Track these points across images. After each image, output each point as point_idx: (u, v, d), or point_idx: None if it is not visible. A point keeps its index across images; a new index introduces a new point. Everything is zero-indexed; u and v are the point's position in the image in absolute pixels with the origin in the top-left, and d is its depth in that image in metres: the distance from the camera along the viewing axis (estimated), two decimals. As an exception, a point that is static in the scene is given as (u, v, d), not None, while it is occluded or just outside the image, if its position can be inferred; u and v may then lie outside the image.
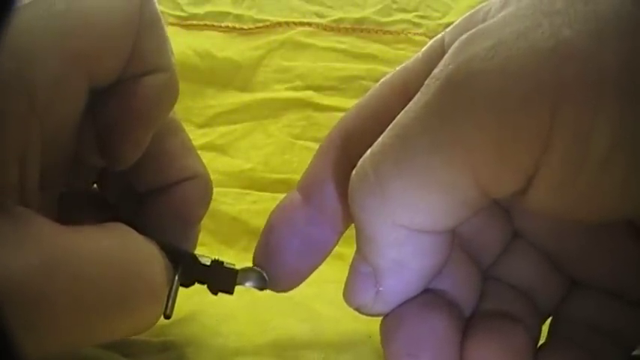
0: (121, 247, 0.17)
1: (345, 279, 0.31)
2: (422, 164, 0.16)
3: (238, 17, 0.50)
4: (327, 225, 0.21)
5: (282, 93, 0.45)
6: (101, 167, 0.23)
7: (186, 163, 0.22)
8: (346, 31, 0.49)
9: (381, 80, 0.22)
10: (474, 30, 0.16)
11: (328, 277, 0.32)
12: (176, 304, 0.26)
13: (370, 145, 0.18)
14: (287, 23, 0.49)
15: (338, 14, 0.50)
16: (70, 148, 0.20)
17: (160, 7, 0.58)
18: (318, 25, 0.49)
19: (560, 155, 0.15)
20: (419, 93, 0.17)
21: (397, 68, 0.21)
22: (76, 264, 0.16)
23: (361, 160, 0.18)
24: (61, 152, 0.19)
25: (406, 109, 0.17)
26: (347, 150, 0.21)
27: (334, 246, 0.22)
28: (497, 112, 0.15)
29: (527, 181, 0.16)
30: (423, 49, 0.20)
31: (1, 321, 0.13)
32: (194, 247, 0.24)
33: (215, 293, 0.21)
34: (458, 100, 0.16)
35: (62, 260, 0.15)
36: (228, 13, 0.50)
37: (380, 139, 0.18)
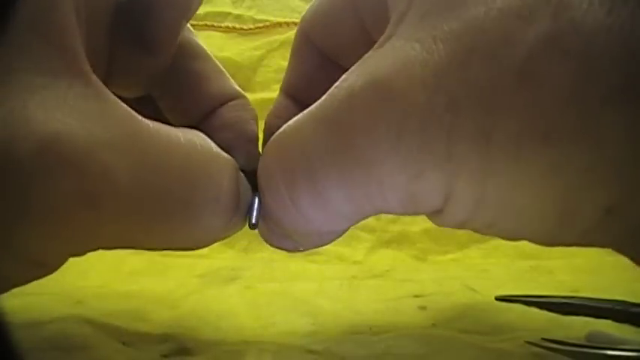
0: (193, 147, 0.17)
1: (345, 277, 0.32)
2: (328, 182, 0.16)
3: (238, 17, 0.50)
4: None
5: (282, 93, 0.45)
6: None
7: (225, 84, 0.22)
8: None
9: None
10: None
11: (329, 275, 0.33)
12: (176, 300, 0.27)
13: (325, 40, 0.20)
14: (287, 23, 0.49)
15: (338, 14, 0.50)
16: (105, 36, 0.19)
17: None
18: (317, 25, 0.49)
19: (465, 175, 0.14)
20: (323, 98, 0.17)
21: None
22: (144, 149, 0.15)
23: (268, 171, 0.18)
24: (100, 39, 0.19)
25: (309, 114, 0.17)
26: (316, 43, 0.22)
27: None
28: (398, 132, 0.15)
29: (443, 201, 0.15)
30: None
31: (1, 321, 0.13)
32: None
33: None
34: (359, 117, 0.15)
35: (132, 141, 0.15)
36: (228, 14, 0.50)
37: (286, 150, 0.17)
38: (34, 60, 0.15)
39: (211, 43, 0.47)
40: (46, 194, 0.14)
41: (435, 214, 0.16)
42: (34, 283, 0.17)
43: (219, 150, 0.18)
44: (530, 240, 0.16)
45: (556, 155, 0.13)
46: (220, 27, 0.49)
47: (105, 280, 0.29)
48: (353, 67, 0.16)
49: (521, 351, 0.22)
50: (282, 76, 0.46)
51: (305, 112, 0.17)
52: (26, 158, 0.14)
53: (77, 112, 0.15)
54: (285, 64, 0.46)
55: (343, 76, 0.16)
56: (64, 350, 0.19)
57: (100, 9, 0.18)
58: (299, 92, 0.23)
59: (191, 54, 0.22)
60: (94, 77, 0.16)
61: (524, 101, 0.13)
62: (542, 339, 0.22)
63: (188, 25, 0.22)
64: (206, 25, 0.49)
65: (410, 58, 0.15)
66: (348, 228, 0.19)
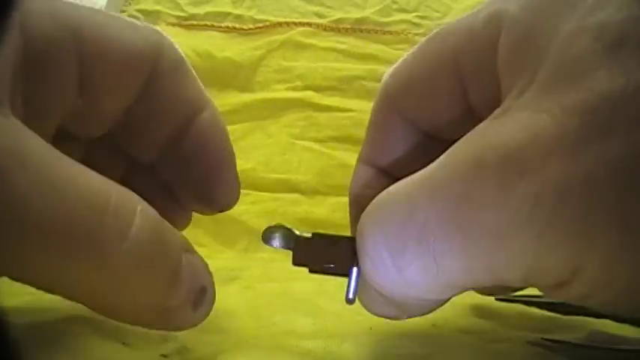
0: (105, 182, 0.16)
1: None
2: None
3: (238, 17, 0.50)
4: None
5: (282, 93, 0.45)
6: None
7: (193, 96, 0.21)
8: (346, 31, 0.49)
9: (426, 45, 0.20)
10: None
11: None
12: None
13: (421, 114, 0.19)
14: (287, 23, 0.49)
15: (338, 14, 0.50)
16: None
17: (159, 7, 0.59)
18: (318, 25, 0.49)
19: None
20: (434, 167, 0.16)
21: (439, 32, 0.20)
22: (49, 170, 0.15)
23: (373, 237, 0.17)
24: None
25: (421, 180, 0.16)
26: (402, 115, 0.21)
27: None
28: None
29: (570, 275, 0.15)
30: (481, 16, 0.18)
31: (1, 321, 0.13)
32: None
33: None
34: (490, 189, 0.15)
35: (35, 158, 0.15)
36: (228, 14, 0.50)
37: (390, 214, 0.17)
38: None
39: (211, 43, 0.47)
40: None
41: (556, 288, 0.16)
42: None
43: (142, 202, 0.17)
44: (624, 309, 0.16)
45: None
46: (220, 27, 0.49)
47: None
48: (468, 137, 0.16)
49: (521, 351, 0.22)
50: (282, 75, 0.46)
51: (409, 180, 0.17)
52: None
53: None
54: (285, 63, 0.47)
55: (457, 145, 0.16)
56: (63, 350, 0.19)
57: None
58: (385, 163, 0.22)
59: (154, 73, 0.20)
60: (14, 118, 0.15)
61: None
62: (542, 339, 0.22)
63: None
64: (206, 25, 0.50)
65: (540, 130, 0.14)
66: (454, 296, 0.18)
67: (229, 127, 0.44)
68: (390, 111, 0.21)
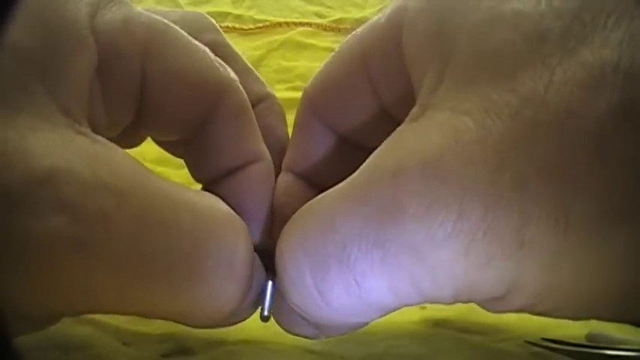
0: (206, 206, 0.16)
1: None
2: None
3: (238, 17, 0.50)
4: None
5: (282, 93, 0.45)
6: None
7: (249, 147, 0.20)
8: (346, 31, 0.49)
9: (340, 47, 0.20)
10: None
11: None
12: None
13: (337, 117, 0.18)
14: (287, 23, 0.49)
15: (338, 14, 0.50)
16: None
17: (159, 8, 0.59)
18: (318, 25, 0.49)
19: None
20: (354, 177, 0.15)
21: (355, 32, 0.19)
22: (151, 201, 0.14)
23: (292, 254, 0.16)
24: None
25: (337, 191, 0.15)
26: (320, 119, 0.20)
27: None
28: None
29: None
30: (386, 12, 0.18)
31: (1, 320, 0.13)
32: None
33: None
34: (409, 201, 0.14)
35: (138, 192, 0.14)
36: (228, 13, 0.50)
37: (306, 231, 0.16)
38: (38, 108, 0.14)
39: (211, 43, 0.47)
40: (34, 232, 0.13)
41: (492, 302, 0.15)
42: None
43: (234, 215, 0.17)
44: (588, 319, 0.15)
45: (636, 233, 0.12)
46: (220, 27, 0.49)
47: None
48: (387, 144, 0.15)
49: (521, 351, 0.22)
50: (282, 75, 0.46)
51: (332, 191, 0.16)
52: (16, 190, 0.12)
53: (83, 152, 0.14)
54: (285, 63, 0.47)
55: (376, 153, 0.15)
56: (64, 350, 0.19)
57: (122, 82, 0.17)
58: (308, 170, 0.21)
59: (224, 109, 0.19)
60: (100, 137, 0.15)
61: (600, 178, 0.12)
62: (542, 339, 0.22)
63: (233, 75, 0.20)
64: (206, 25, 0.49)
65: (462, 135, 0.13)
66: (379, 318, 0.17)
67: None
68: (308, 115, 0.20)
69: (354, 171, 0.16)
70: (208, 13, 0.51)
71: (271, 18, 0.49)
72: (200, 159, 0.20)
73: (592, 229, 0.12)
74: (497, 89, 0.13)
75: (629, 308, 0.14)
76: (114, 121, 0.18)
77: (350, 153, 0.19)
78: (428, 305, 0.25)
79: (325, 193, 0.16)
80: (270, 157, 0.20)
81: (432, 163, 0.13)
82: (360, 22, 0.50)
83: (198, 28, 0.19)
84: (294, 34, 0.48)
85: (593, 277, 0.13)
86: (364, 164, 0.15)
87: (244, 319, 0.18)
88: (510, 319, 0.25)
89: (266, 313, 0.17)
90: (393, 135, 0.15)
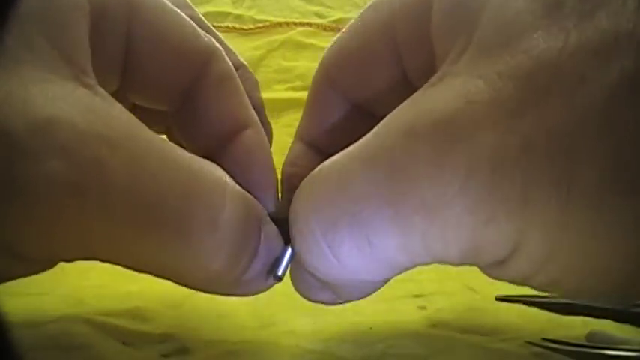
0: (198, 166, 0.16)
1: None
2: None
3: (238, 17, 0.50)
4: None
5: (282, 93, 0.45)
6: None
7: (238, 113, 0.20)
8: (346, 32, 0.49)
9: (363, 15, 0.19)
10: None
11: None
12: (176, 299, 0.27)
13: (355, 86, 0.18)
14: (287, 23, 0.49)
15: (338, 14, 0.50)
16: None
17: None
18: (318, 25, 0.49)
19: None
20: (367, 138, 0.15)
21: (375, 1, 0.19)
22: (144, 152, 0.15)
23: (305, 212, 0.16)
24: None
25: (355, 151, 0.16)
26: (337, 88, 0.20)
27: None
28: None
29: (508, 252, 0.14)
30: None
31: (1, 321, 0.13)
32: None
33: None
34: (421, 159, 0.14)
35: (133, 142, 0.15)
36: (228, 13, 0.50)
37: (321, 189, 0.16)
38: (42, 60, 0.15)
39: (211, 43, 0.47)
40: (33, 176, 0.13)
41: (495, 266, 0.15)
42: (35, 282, 0.17)
43: (226, 180, 0.17)
44: (589, 296, 0.15)
45: None
46: (220, 27, 0.49)
47: (105, 280, 0.29)
48: (402, 106, 0.15)
49: (521, 351, 0.22)
50: (282, 75, 0.46)
51: (343, 153, 0.16)
52: (17, 136, 0.13)
53: (82, 105, 0.14)
54: (285, 63, 0.47)
55: (391, 115, 0.15)
56: (64, 350, 0.19)
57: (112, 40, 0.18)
58: (320, 140, 0.21)
59: (207, 81, 0.20)
60: (101, 89, 0.15)
61: (607, 147, 0.12)
62: (542, 339, 0.22)
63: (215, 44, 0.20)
64: (206, 25, 0.49)
65: (474, 96, 0.13)
66: (392, 277, 0.17)
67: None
68: (325, 84, 0.20)
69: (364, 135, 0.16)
70: (208, 13, 0.51)
71: (271, 18, 0.50)
72: (190, 129, 0.20)
73: (595, 199, 0.12)
74: (510, 52, 0.13)
75: (631, 289, 0.14)
76: (101, 84, 0.18)
77: (364, 121, 0.19)
78: (428, 305, 0.25)
79: (336, 155, 0.16)
80: (259, 122, 0.20)
81: (443, 123, 0.14)
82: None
83: (174, 2, 0.19)
84: (294, 34, 0.48)
85: (595, 250, 0.13)
86: (379, 125, 0.16)
87: (259, 290, 0.18)
88: (510, 319, 0.25)
89: (279, 273, 0.17)
90: (410, 98, 0.15)
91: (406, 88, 0.18)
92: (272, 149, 0.42)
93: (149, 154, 0.15)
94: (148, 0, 0.18)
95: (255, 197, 0.18)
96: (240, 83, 0.20)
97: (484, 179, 0.13)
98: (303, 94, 0.44)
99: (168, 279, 0.17)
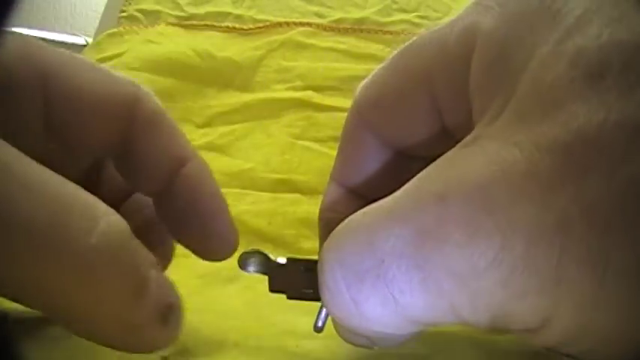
0: (70, 189, 0.15)
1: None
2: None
3: (238, 17, 0.50)
4: None
5: (282, 93, 0.45)
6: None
7: (174, 150, 0.20)
8: (346, 32, 0.49)
9: (396, 59, 0.19)
10: None
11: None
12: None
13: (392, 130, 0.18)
14: (287, 23, 0.49)
15: (338, 14, 0.50)
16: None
17: (159, 7, 0.59)
18: (318, 25, 0.49)
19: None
20: (398, 196, 0.15)
21: (412, 44, 0.18)
22: (27, 188, 0.14)
23: (330, 263, 0.16)
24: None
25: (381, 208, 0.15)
26: (373, 130, 0.20)
27: None
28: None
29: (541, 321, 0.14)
30: (456, 29, 0.17)
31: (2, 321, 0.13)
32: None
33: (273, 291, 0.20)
34: (453, 228, 0.14)
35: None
36: (228, 14, 0.50)
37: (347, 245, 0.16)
38: None
39: (211, 43, 0.47)
40: None
41: (526, 333, 0.15)
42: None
43: (95, 203, 0.16)
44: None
45: None
46: (220, 27, 0.49)
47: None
48: (434, 167, 0.15)
49: (521, 351, 0.22)
50: (282, 75, 0.46)
51: (373, 207, 0.16)
52: None
53: None
54: (285, 63, 0.47)
55: (422, 174, 0.15)
56: (64, 351, 0.19)
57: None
58: (356, 182, 0.20)
59: (142, 127, 0.20)
60: None
61: None
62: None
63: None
64: (206, 25, 0.50)
65: (510, 167, 0.13)
66: (418, 331, 0.17)
67: (229, 127, 0.45)
68: (361, 127, 0.20)
69: (404, 183, 0.16)
70: (208, 13, 0.51)
71: (271, 18, 0.50)
72: (134, 174, 0.21)
73: (630, 281, 0.12)
74: (548, 122, 0.13)
75: None
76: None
77: (404, 165, 0.19)
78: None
79: (367, 208, 0.16)
80: (197, 154, 0.21)
81: (478, 192, 0.13)
82: (360, 22, 0.50)
83: None
84: (294, 34, 0.48)
85: (630, 328, 0.13)
86: (408, 184, 0.15)
87: (156, 343, 0.17)
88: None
89: (320, 324, 0.18)
90: (442, 158, 0.15)
91: (447, 135, 0.18)
92: (272, 149, 0.42)
93: (30, 177, 0.14)
94: (62, 57, 0.19)
95: (209, 227, 0.19)
96: (171, 120, 0.20)
97: (518, 252, 0.13)
98: (303, 94, 0.44)
99: (64, 324, 0.17)
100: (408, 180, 0.16)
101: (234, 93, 0.45)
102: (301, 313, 0.25)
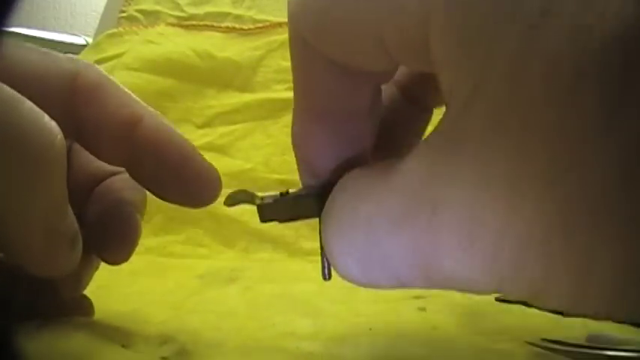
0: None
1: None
2: None
3: (238, 17, 0.50)
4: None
5: (282, 93, 0.45)
6: None
7: (119, 108, 0.21)
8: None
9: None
10: None
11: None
12: (176, 301, 0.27)
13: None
14: (287, 23, 0.49)
15: (338, 14, 0.50)
16: None
17: (159, 8, 0.59)
18: (317, 25, 0.49)
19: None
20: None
21: None
22: None
23: None
24: None
25: None
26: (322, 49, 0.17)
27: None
28: None
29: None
30: None
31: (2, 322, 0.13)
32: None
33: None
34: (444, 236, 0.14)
35: None
36: (228, 14, 0.50)
37: None
38: None
39: (211, 43, 0.47)
40: None
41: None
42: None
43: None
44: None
45: None
46: (220, 27, 0.49)
47: (104, 280, 0.29)
48: (419, 158, 0.15)
49: (521, 351, 0.22)
50: (282, 75, 0.46)
51: (368, 196, 0.16)
52: None
53: None
54: (285, 63, 0.47)
55: (409, 171, 0.15)
56: (63, 352, 0.19)
57: None
58: (320, 107, 0.19)
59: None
60: None
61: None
62: (542, 339, 0.22)
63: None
64: (206, 25, 0.50)
65: (493, 179, 0.13)
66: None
67: (229, 128, 0.45)
68: (310, 55, 0.17)
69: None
70: (208, 14, 0.51)
71: (271, 18, 0.50)
72: (94, 147, 0.21)
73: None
74: (527, 147, 0.12)
75: None
76: None
77: (361, 81, 0.18)
78: (427, 306, 0.25)
79: (362, 200, 0.16)
80: (152, 110, 0.21)
81: (468, 207, 0.14)
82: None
83: None
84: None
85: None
86: (396, 178, 0.15)
87: (67, 266, 0.18)
88: (510, 319, 0.25)
89: (327, 276, 0.18)
90: (427, 148, 0.15)
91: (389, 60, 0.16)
92: (272, 149, 0.42)
93: None
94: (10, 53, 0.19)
95: (184, 172, 0.20)
96: (115, 84, 0.21)
97: (508, 263, 0.13)
98: (303, 94, 0.44)
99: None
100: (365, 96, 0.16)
101: (234, 93, 0.45)
102: (301, 315, 0.25)
